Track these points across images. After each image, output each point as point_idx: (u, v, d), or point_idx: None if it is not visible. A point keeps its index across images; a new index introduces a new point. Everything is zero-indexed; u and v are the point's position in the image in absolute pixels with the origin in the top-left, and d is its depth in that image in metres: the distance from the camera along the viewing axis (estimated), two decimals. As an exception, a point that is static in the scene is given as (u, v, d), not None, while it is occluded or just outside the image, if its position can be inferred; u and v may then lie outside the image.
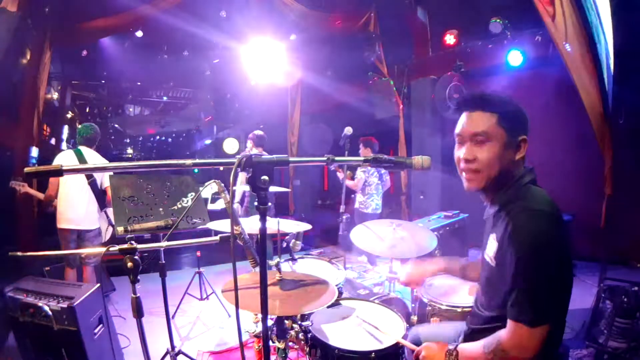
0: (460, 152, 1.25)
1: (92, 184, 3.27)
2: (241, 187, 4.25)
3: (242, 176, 4.33)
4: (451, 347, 1.24)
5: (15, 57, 5.28)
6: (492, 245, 1.24)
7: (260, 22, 6.03)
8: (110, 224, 3.48)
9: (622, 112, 3.47)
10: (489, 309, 1.28)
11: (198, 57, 8.26)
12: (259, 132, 4.47)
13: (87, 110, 10.81)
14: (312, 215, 8.72)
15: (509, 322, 1.10)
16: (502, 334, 1.12)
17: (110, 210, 3.43)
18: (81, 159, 3.23)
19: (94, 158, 3.32)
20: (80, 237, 3.27)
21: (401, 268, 1.82)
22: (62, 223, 3.21)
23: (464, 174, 1.26)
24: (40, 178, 3.40)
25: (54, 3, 5.17)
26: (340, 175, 4.40)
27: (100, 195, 3.34)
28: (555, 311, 1.09)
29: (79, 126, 3.64)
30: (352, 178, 4.68)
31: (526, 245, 1.07)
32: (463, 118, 1.25)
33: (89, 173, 3.19)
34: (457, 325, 1.56)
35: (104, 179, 3.32)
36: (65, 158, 3.27)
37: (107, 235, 3.50)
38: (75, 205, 3.21)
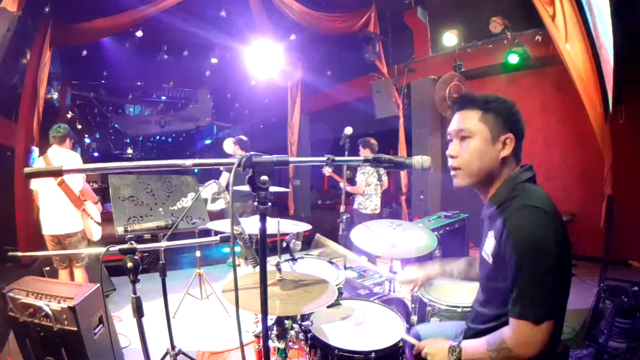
0: (448, 149, 1.31)
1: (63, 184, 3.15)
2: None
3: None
4: (454, 343, 1.23)
5: (15, 57, 5.28)
6: (490, 243, 1.23)
7: (260, 22, 6.03)
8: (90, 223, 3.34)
9: (622, 112, 3.47)
10: (489, 307, 1.27)
11: (198, 57, 8.26)
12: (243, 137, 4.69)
13: (87, 110, 10.81)
14: (311, 215, 8.72)
15: (512, 320, 1.09)
16: (505, 332, 1.11)
17: (92, 208, 3.30)
18: (47, 160, 3.15)
19: (59, 156, 3.19)
20: (61, 242, 3.18)
21: (402, 271, 1.80)
22: (43, 229, 3.16)
23: (452, 171, 1.30)
24: (40, 178, 3.40)
25: (54, 3, 5.17)
26: (339, 180, 4.40)
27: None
28: (557, 307, 1.08)
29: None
30: (351, 178, 4.67)
31: (525, 241, 1.07)
32: (454, 117, 1.31)
33: (89, 173, 3.18)
34: (458, 324, 1.56)
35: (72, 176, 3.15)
36: (38, 161, 3.22)
37: (94, 235, 3.38)
38: (48, 210, 3.13)
